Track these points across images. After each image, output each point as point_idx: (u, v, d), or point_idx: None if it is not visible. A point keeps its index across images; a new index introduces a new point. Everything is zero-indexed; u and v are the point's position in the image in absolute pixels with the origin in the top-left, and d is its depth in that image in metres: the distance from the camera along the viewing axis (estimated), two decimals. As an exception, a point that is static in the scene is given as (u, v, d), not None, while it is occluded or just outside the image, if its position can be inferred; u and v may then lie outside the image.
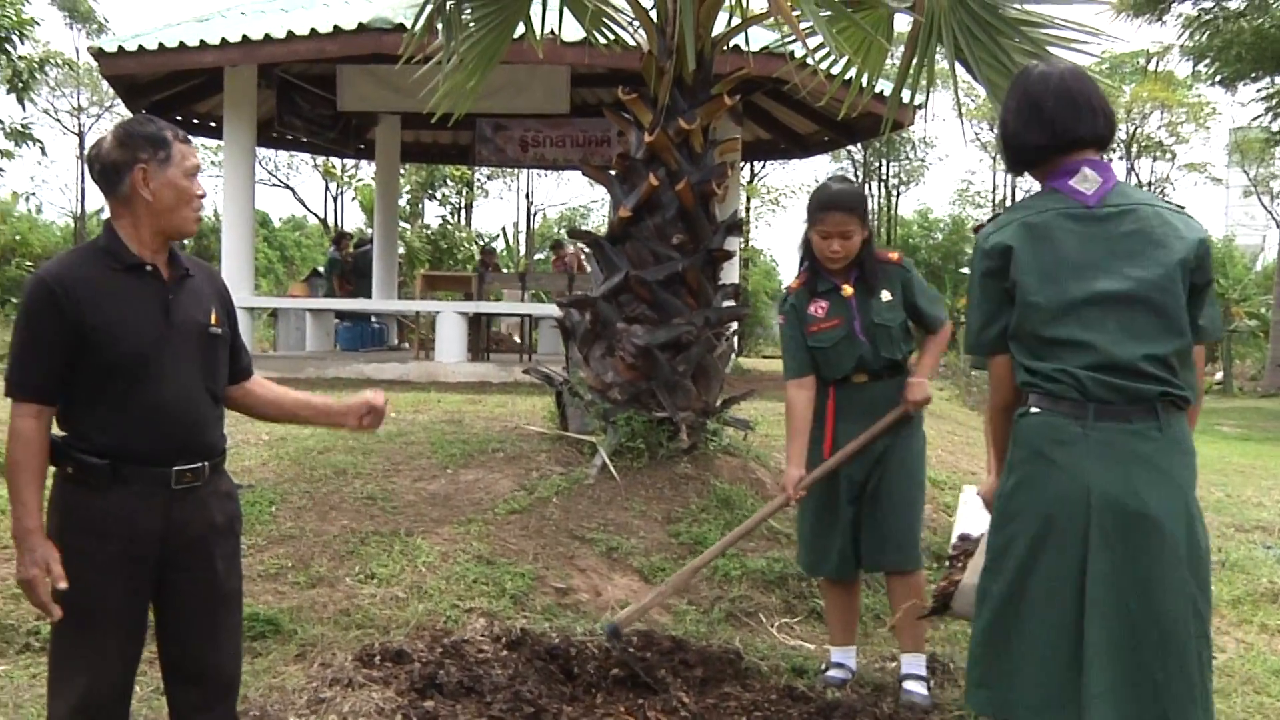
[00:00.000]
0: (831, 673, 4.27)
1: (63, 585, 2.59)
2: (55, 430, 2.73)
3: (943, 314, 4.38)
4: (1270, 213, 36.00)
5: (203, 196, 2.80)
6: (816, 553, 4.33)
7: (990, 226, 2.84)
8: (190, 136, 2.85)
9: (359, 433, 3.26)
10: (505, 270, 22.76)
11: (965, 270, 36.68)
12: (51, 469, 2.72)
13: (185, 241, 2.95)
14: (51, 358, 2.64)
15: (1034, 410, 2.71)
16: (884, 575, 4.54)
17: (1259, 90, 22.68)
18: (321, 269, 18.17)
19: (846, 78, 6.49)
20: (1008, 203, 36.49)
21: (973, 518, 3.48)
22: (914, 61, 5.88)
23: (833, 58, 6.38)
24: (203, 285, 2.88)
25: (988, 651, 2.77)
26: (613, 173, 6.71)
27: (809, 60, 6.12)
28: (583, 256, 17.52)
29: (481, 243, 26.45)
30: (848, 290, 4.20)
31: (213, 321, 2.83)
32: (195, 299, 2.82)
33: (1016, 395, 2.79)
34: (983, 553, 2.97)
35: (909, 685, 4.15)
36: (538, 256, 29.93)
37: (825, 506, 4.26)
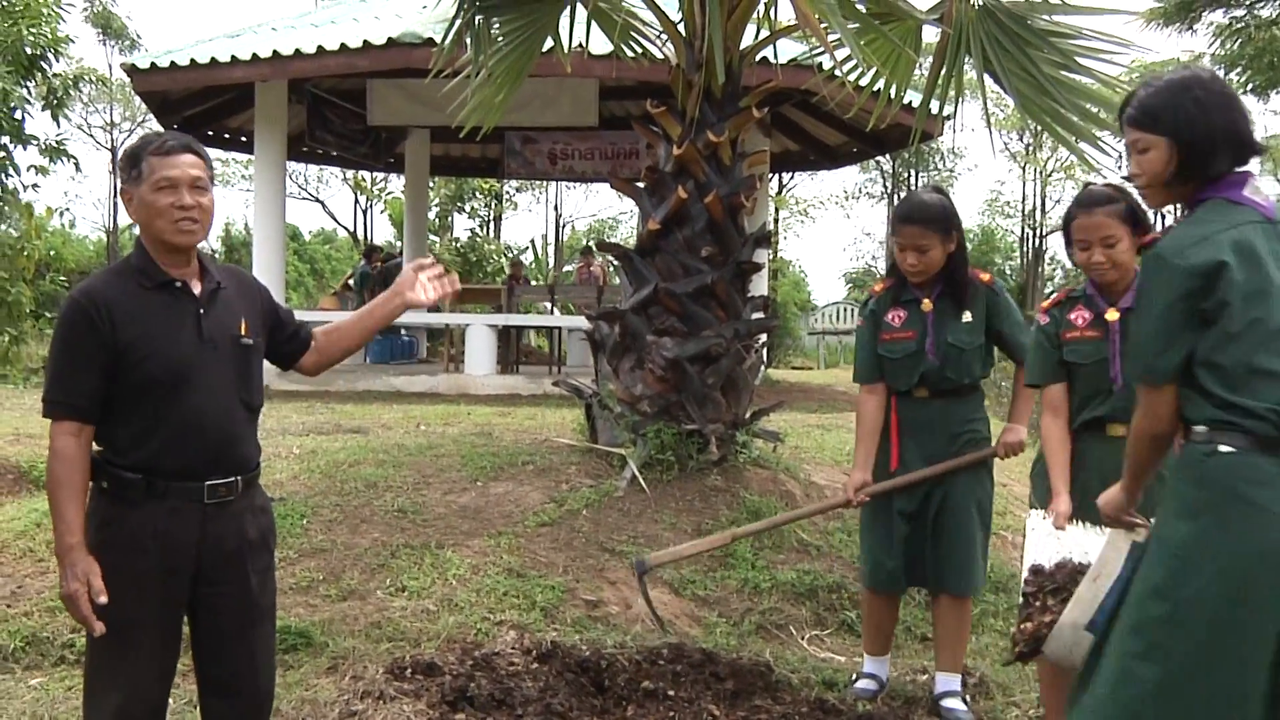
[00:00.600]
0: (861, 683, 4.26)
1: (103, 600, 2.61)
2: (93, 445, 2.76)
3: (1024, 345, 4.15)
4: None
5: (181, 206, 2.70)
6: (871, 564, 4.32)
7: (1182, 242, 2.49)
8: (194, 145, 2.80)
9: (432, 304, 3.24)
10: (534, 283, 22.83)
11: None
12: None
13: (212, 252, 2.95)
14: (89, 376, 2.66)
15: (1224, 449, 2.42)
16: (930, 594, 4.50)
17: (1291, 100, 22.48)
18: (352, 282, 18.26)
19: (875, 89, 6.48)
20: (1037, 214, 36.28)
21: (1043, 547, 3.32)
22: (942, 73, 5.88)
23: (861, 69, 6.38)
24: (234, 295, 2.88)
25: None
26: (641, 185, 6.73)
27: (837, 72, 6.13)
28: (609, 267, 17.54)
29: (511, 255, 26.53)
30: (927, 305, 4.17)
31: (243, 332, 2.83)
32: (227, 311, 2.83)
33: (1175, 427, 2.52)
34: (1095, 595, 2.82)
35: (948, 703, 4.13)
36: (566, 268, 30.00)
37: (883, 522, 4.25)
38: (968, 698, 4.23)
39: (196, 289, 2.79)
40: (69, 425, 2.67)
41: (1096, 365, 3.58)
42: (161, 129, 12.94)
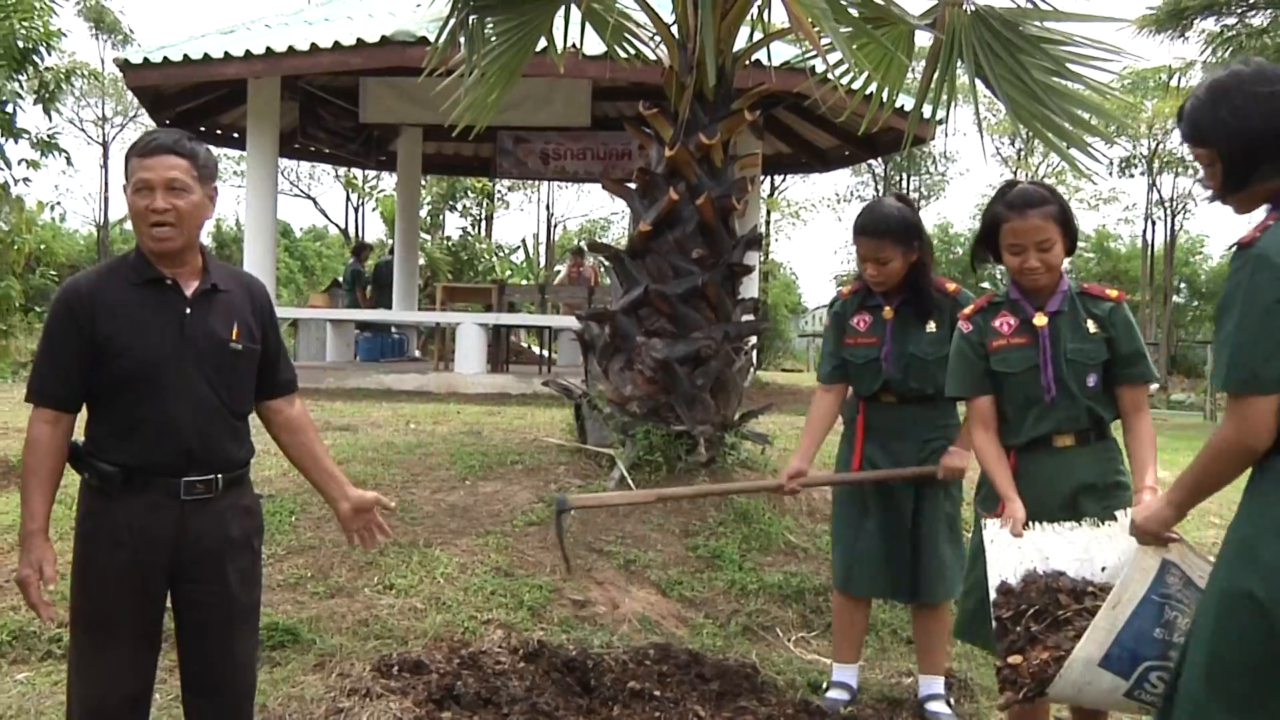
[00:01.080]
0: (832, 693, 4.22)
1: (51, 587, 2.70)
2: (81, 438, 2.78)
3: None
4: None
5: (153, 209, 2.68)
6: (844, 566, 4.31)
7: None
8: (183, 143, 2.76)
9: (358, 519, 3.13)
10: (525, 283, 22.84)
11: (985, 285, 36.60)
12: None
13: (208, 249, 2.93)
14: (67, 366, 2.70)
15: None
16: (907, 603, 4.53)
17: (1281, 107, 22.53)
18: (340, 279, 18.24)
19: (867, 93, 6.50)
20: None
21: (1005, 559, 3.16)
22: (935, 78, 5.90)
23: (853, 73, 6.40)
24: (235, 300, 2.86)
25: None
26: (633, 187, 6.74)
27: (829, 76, 6.14)
28: (600, 268, 17.55)
29: (501, 254, 26.52)
30: (888, 313, 4.16)
31: (233, 337, 2.82)
32: (220, 313, 2.82)
33: (1272, 439, 2.33)
34: (1113, 625, 2.70)
35: (932, 706, 4.16)
36: (557, 268, 30.04)
37: (855, 526, 4.25)
38: (951, 700, 4.26)
39: (190, 288, 2.79)
40: (45, 413, 2.71)
41: (1027, 374, 3.43)
42: (154, 125, 12.93)
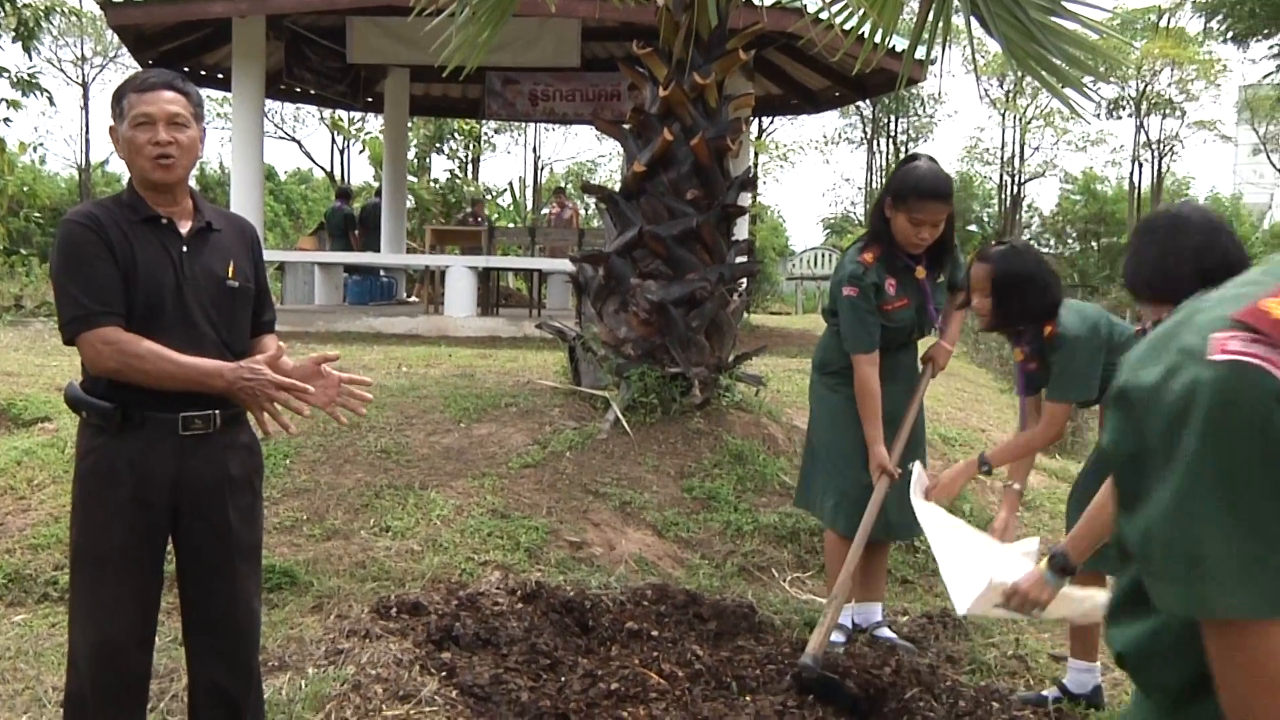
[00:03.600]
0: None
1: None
2: (79, 378, 2.76)
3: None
4: (1279, 171, 35.78)
5: (156, 142, 2.69)
6: (848, 509, 4.25)
7: None
8: (177, 81, 2.77)
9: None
10: (513, 225, 22.72)
11: (972, 228, 36.57)
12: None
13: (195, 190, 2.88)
14: (113, 280, 2.65)
15: None
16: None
17: (1270, 48, 22.53)
18: (324, 222, 18.08)
19: (861, 33, 6.43)
20: (1016, 161, 36.27)
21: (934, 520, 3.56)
22: (930, 16, 5.83)
23: (848, 11, 6.33)
24: (229, 239, 2.87)
25: None
26: (626, 127, 6.68)
27: (823, 15, 6.07)
28: (583, 209, 17.45)
29: (489, 197, 26.33)
30: (921, 273, 4.19)
31: (229, 275, 2.82)
32: (216, 252, 2.82)
33: None
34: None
35: (883, 633, 4.34)
36: (544, 211, 29.84)
37: (860, 469, 4.23)
38: (943, 638, 4.32)
39: (185, 227, 2.79)
40: (111, 330, 2.64)
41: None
42: (136, 65, 12.76)
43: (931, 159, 4.20)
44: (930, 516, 3.71)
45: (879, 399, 4.12)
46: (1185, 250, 2.89)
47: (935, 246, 4.17)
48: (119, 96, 2.74)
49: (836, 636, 4.22)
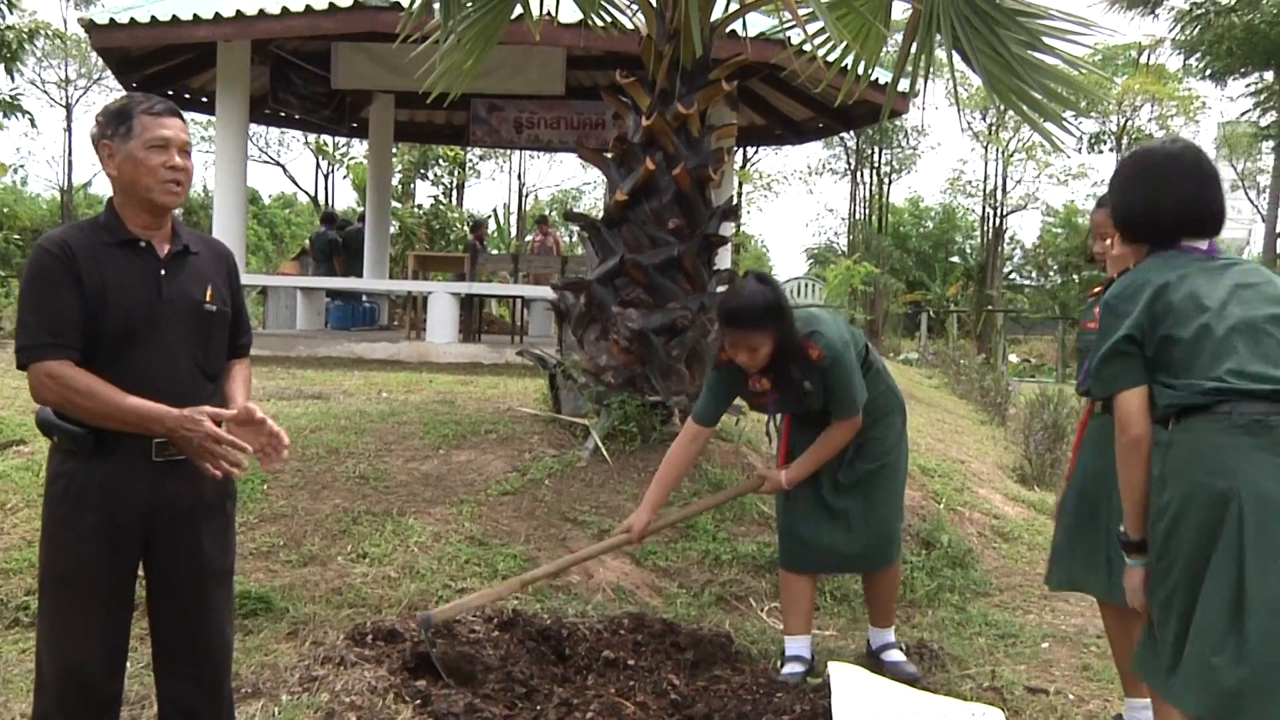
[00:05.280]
0: (789, 668, 4.19)
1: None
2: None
3: (849, 410, 4.12)
4: (1256, 207, 36.11)
5: (171, 167, 2.73)
6: (790, 544, 4.33)
7: None
8: (179, 111, 2.83)
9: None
10: (496, 251, 22.73)
11: (955, 260, 36.75)
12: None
13: (176, 214, 2.89)
14: (73, 312, 2.64)
15: None
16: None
17: (1248, 85, 22.85)
18: (307, 246, 18.06)
19: (844, 65, 6.49)
20: (999, 193, 36.52)
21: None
22: (913, 50, 5.88)
23: (830, 44, 6.38)
24: (206, 263, 2.88)
25: None
26: (609, 156, 6.70)
27: (807, 46, 6.11)
28: (566, 236, 17.49)
29: (472, 218, 26.36)
30: (766, 384, 4.10)
31: (207, 299, 2.83)
32: (194, 276, 2.83)
33: None
34: None
35: (888, 655, 4.32)
36: (528, 239, 29.90)
37: (809, 505, 4.26)
38: (918, 667, 4.32)
39: (163, 250, 2.79)
40: (65, 362, 2.63)
41: None
42: (121, 87, 12.75)
43: (759, 277, 4.07)
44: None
45: (673, 465, 4.23)
46: (1174, 196, 2.85)
47: (782, 363, 4.01)
48: (124, 116, 2.74)
49: (795, 668, 4.18)
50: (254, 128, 22.32)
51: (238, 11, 11.05)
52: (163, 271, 2.76)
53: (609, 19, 6.75)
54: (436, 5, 6.16)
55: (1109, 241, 3.83)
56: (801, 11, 5.53)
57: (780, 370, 4.03)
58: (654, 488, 4.23)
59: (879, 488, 4.30)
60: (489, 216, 30.25)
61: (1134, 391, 2.73)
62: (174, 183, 2.75)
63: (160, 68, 13.61)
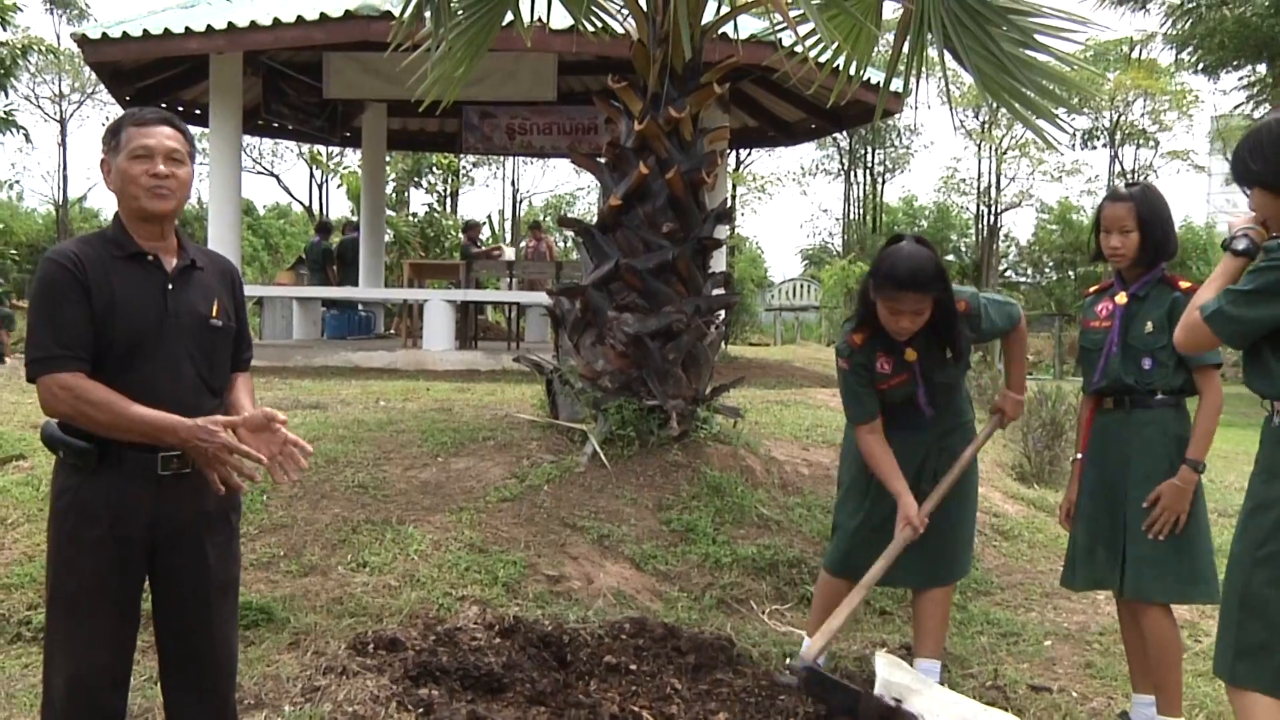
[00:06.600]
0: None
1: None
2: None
3: (1010, 320, 4.11)
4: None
5: (154, 174, 2.72)
6: (844, 550, 4.21)
7: None
8: (175, 120, 2.82)
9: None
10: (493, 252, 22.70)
11: (950, 258, 36.76)
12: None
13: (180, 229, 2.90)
14: (83, 325, 2.64)
15: None
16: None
17: (1240, 79, 22.83)
18: (303, 256, 18.06)
19: (835, 66, 6.49)
20: (992, 191, 36.56)
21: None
22: (905, 49, 5.89)
23: (822, 45, 6.38)
24: (211, 278, 2.89)
25: None
26: (602, 161, 6.71)
27: (798, 48, 6.12)
28: (559, 242, 17.50)
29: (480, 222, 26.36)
30: (911, 355, 3.96)
31: (214, 314, 2.84)
32: (200, 291, 2.83)
33: None
34: None
35: None
36: (522, 244, 29.92)
37: (871, 516, 4.15)
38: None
39: (170, 264, 2.80)
40: (77, 374, 2.63)
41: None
42: (114, 101, 12.75)
43: (918, 239, 3.94)
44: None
45: (886, 461, 4.00)
46: None
47: (933, 328, 3.90)
48: (116, 130, 2.77)
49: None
50: (247, 139, 22.32)
51: (229, 24, 11.08)
52: (170, 286, 2.77)
53: (599, 24, 6.76)
54: (427, 13, 6.18)
55: (1131, 235, 3.75)
56: (792, 13, 5.53)
57: (928, 335, 3.91)
58: (894, 476, 3.98)
59: (964, 495, 4.18)
60: (484, 222, 30.24)
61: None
62: (159, 187, 2.73)
63: (153, 81, 13.65)
